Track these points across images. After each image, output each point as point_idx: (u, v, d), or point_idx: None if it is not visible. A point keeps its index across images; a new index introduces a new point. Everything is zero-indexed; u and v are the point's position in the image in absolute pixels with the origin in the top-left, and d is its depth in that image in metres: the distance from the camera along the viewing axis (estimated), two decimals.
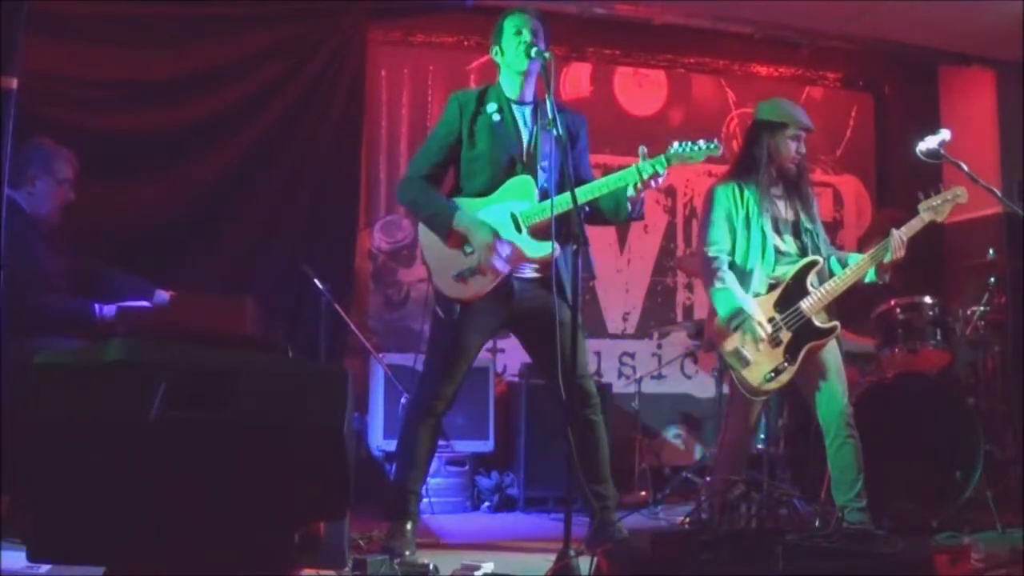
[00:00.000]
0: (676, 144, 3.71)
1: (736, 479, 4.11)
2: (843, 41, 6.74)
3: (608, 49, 6.67)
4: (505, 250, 3.71)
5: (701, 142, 3.71)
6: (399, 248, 6.20)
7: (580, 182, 3.80)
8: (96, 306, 3.95)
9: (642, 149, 3.68)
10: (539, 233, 3.71)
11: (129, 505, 2.22)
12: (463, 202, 3.79)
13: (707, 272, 4.04)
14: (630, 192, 3.72)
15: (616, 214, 3.87)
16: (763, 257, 4.02)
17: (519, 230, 3.74)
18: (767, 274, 4.02)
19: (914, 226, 4.00)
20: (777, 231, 4.06)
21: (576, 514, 3.23)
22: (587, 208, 3.80)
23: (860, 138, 7.19)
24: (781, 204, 4.11)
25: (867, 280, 4.03)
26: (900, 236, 3.95)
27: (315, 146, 5.80)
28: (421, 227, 3.85)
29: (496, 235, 3.70)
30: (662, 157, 3.68)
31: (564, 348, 3.41)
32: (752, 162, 4.11)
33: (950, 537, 4.14)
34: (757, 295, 4.00)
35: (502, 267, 3.70)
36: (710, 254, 4.04)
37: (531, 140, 3.84)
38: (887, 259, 3.95)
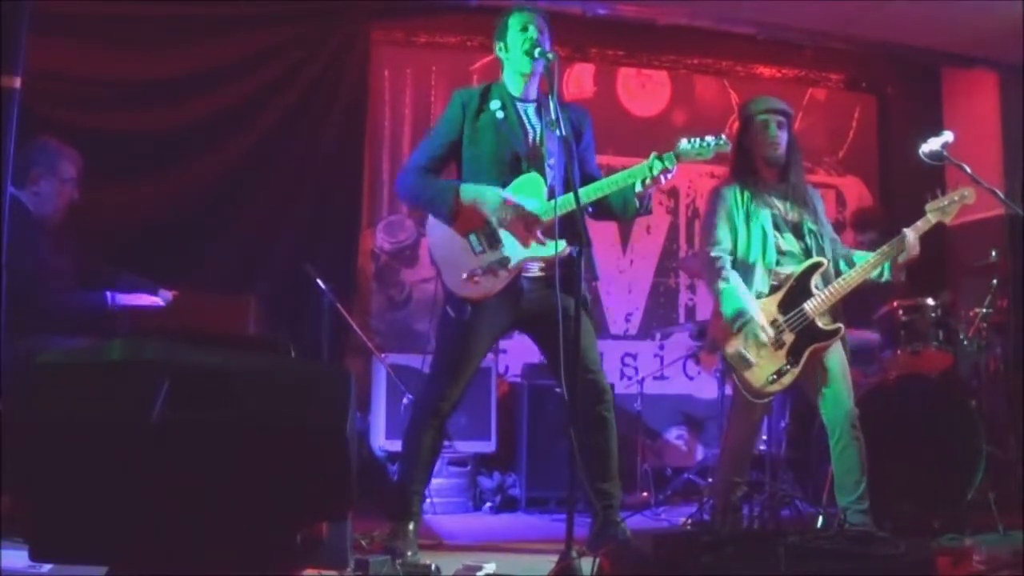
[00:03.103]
0: (685, 141, 3.72)
1: (738, 481, 4.12)
2: (846, 42, 6.73)
3: (611, 50, 6.67)
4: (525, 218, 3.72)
5: (710, 138, 3.72)
6: (402, 248, 6.20)
7: (587, 178, 3.82)
8: (108, 295, 3.96)
9: (653, 155, 3.70)
10: (548, 232, 3.71)
11: (131, 505, 2.22)
12: None
13: (710, 272, 4.05)
14: (637, 188, 3.73)
15: (624, 210, 3.89)
16: (764, 254, 4.02)
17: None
18: (768, 272, 4.02)
19: (920, 227, 3.99)
20: (778, 229, 4.07)
21: (578, 515, 3.23)
22: (591, 208, 3.80)
23: (863, 139, 7.18)
24: (782, 204, 4.11)
25: (884, 280, 4.04)
26: (914, 235, 3.95)
27: (318, 146, 5.81)
28: (428, 226, 3.85)
29: (506, 193, 3.71)
30: (671, 154, 3.69)
31: (569, 344, 3.40)
32: (741, 159, 4.15)
33: (952, 539, 4.13)
34: (759, 294, 4.00)
35: (524, 206, 3.71)
36: (712, 254, 4.04)
37: (536, 138, 3.84)
38: (902, 259, 3.96)
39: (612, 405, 3.86)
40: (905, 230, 3.97)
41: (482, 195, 3.72)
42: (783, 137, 4.11)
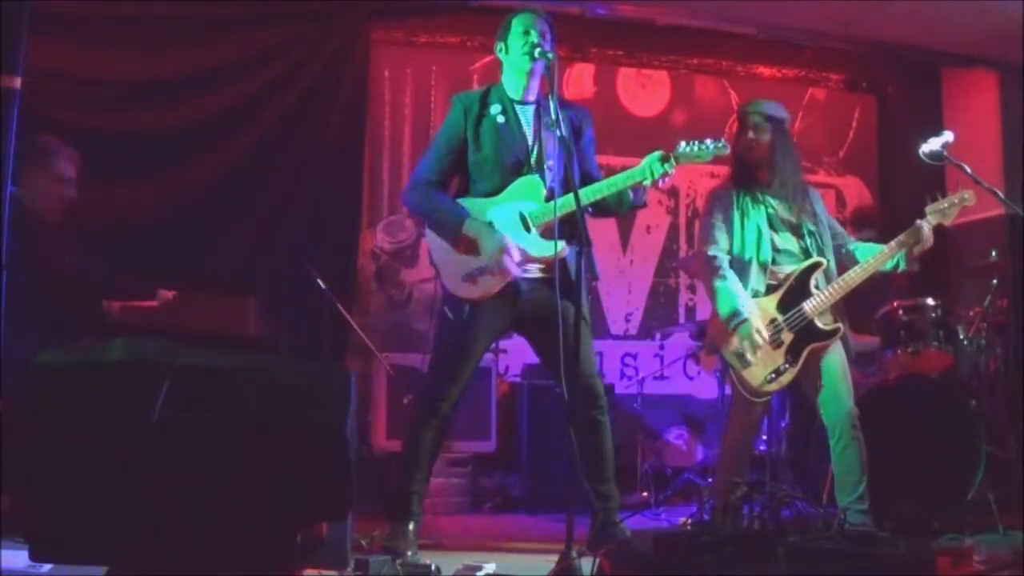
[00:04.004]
0: (683, 144, 3.73)
1: (738, 481, 4.12)
2: (846, 43, 6.73)
3: (611, 50, 6.68)
4: (516, 255, 3.72)
5: (708, 141, 3.73)
6: (402, 248, 6.21)
7: (586, 177, 3.82)
8: (108, 301, 3.96)
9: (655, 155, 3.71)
10: (548, 233, 3.72)
11: (131, 505, 2.22)
12: (471, 203, 3.79)
13: (707, 271, 4.06)
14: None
15: (619, 206, 3.91)
16: (759, 252, 4.03)
17: (528, 230, 3.75)
18: (764, 269, 4.03)
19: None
20: (773, 228, 4.07)
21: (578, 515, 3.23)
22: (590, 207, 3.80)
23: (863, 139, 7.19)
24: (778, 204, 4.11)
25: (900, 270, 4.05)
26: (928, 227, 3.96)
27: (318, 146, 5.81)
28: (428, 228, 3.85)
29: (507, 240, 3.71)
30: (670, 156, 3.69)
31: (567, 346, 3.41)
32: (734, 163, 4.16)
33: (952, 539, 4.14)
34: (756, 293, 4.01)
35: (514, 271, 3.71)
36: (710, 253, 4.06)
37: (535, 140, 3.85)
38: (917, 250, 3.98)
39: (606, 409, 3.88)
40: (919, 221, 3.98)
41: (483, 238, 3.70)
42: (760, 138, 4.10)
